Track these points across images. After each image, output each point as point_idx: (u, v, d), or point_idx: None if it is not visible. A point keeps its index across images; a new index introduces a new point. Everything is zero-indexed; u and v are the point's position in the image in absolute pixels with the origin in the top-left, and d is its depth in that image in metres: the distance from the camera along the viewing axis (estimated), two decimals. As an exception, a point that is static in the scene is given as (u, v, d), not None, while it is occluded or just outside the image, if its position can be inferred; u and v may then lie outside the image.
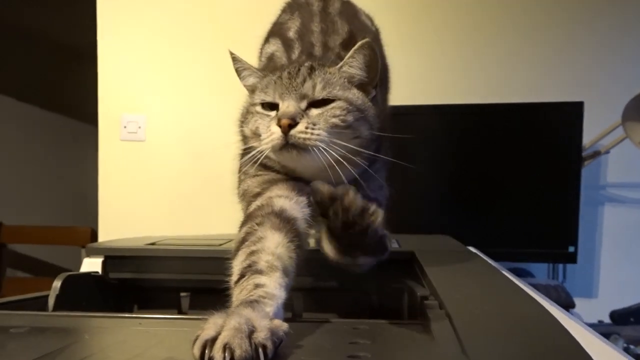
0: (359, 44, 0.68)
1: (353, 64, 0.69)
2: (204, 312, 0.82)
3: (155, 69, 2.02)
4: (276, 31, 0.88)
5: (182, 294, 0.84)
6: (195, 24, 2.00)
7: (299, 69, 0.67)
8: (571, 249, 1.62)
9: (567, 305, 1.55)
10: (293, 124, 0.62)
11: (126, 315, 0.55)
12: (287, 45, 0.82)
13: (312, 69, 0.67)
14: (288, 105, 0.64)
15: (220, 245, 0.83)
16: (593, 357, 0.36)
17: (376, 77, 0.72)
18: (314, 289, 0.82)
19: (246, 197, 0.72)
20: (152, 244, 0.83)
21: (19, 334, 0.43)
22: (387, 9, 1.87)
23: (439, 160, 1.67)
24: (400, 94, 1.55)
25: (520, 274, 1.75)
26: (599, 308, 1.68)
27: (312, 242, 0.79)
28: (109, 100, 2.03)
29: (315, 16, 0.84)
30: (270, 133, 0.63)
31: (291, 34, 0.84)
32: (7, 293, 0.59)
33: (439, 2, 1.88)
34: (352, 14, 0.87)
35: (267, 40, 0.89)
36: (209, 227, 1.81)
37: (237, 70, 0.73)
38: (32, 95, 3.65)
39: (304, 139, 0.62)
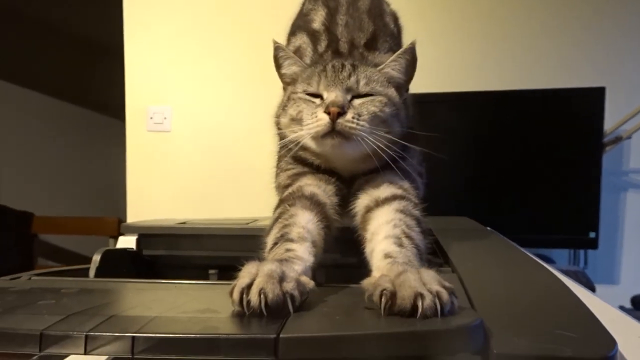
0: (404, 49, 0.72)
1: (395, 67, 0.73)
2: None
3: (180, 61, 2.07)
4: (301, 24, 0.90)
5: (211, 271, 0.89)
6: (220, 17, 2.04)
7: (343, 65, 0.71)
8: (592, 234, 1.62)
9: (587, 289, 1.55)
10: (342, 112, 0.65)
11: (162, 281, 0.60)
12: (314, 37, 0.85)
13: (354, 66, 0.71)
14: (337, 95, 0.66)
15: (248, 224, 0.87)
16: (595, 314, 0.38)
17: (410, 81, 0.77)
18: (336, 266, 0.86)
19: (279, 189, 0.77)
20: (183, 223, 0.88)
21: (70, 294, 0.48)
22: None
23: (460, 147, 1.68)
24: (422, 82, 1.58)
25: (541, 259, 1.76)
26: (621, 294, 1.68)
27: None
28: (135, 92, 2.09)
29: (342, 7, 0.87)
30: (317, 119, 0.66)
31: (316, 25, 0.86)
32: None
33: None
34: (378, 13, 0.89)
35: (293, 33, 0.91)
36: (236, 214, 1.86)
37: (277, 58, 0.75)
38: (61, 91, 3.75)
39: (350, 127, 0.65)
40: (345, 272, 0.87)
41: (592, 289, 1.55)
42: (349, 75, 0.69)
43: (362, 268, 0.87)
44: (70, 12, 3.22)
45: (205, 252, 0.85)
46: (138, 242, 0.85)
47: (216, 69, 2.05)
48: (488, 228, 0.97)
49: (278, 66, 0.76)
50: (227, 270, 0.90)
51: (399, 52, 0.73)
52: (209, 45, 2.05)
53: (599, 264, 1.82)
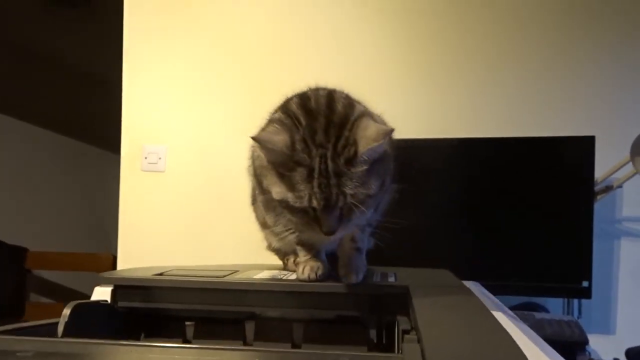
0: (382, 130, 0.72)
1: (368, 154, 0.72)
2: (208, 341, 0.87)
3: (177, 100, 2.11)
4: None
5: (187, 323, 0.88)
6: (219, 59, 2.08)
7: (328, 180, 0.70)
8: (585, 283, 1.61)
9: (581, 341, 1.53)
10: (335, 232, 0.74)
11: (134, 343, 0.58)
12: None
13: (339, 175, 0.71)
14: (330, 220, 0.73)
15: (224, 276, 0.87)
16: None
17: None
18: (313, 321, 0.85)
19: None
20: (160, 274, 0.87)
21: (25, 357, 0.47)
22: (396, 43, 1.94)
23: (449, 193, 1.69)
24: (409, 128, 1.60)
25: (535, 308, 1.74)
26: (616, 345, 1.65)
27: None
28: (131, 130, 2.11)
29: None
30: (313, 233, 0.76)
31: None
32: (30, 317, 0.62)
33: (447, 36, 1.93)
34: None
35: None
36: (227, 256, 1.87)
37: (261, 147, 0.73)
38: (57, 123, 3.78)
39: (343, 234, 0.78)
40: (322, 326, 0.86)
41: (585, 340, 1.52)
42: (337, 192, 0.71)
43: (340, 323, 0.87)
44: (69, 45, 3.28)
45: (180, 305, 0.85)
46: (113, 293, 0.84)
47: (213, 110, 2.08)
48: (468, 282, 0.96)
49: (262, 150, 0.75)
50: (203, 322, 0.90)
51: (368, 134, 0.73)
52: (207, 86, 2.09)
53: (593, 314, 1.80)
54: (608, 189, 1.67)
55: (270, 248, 1.03)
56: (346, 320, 0.83)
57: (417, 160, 1.60)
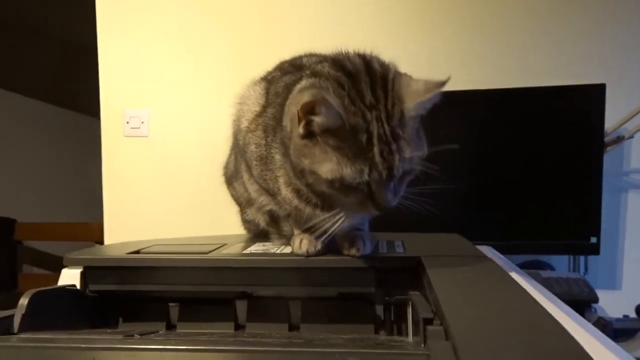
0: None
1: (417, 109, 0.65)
2: (195, 324, 0.77)
3: (158, 61, 1.96)
4: None
5: (171, 304, 0.78)
6: (201, 16, 1.93)
7: (389, 146, 0.61)
8: (593, 239, 1.53)
9: (590, 300, 1.47)
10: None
11: (102, 346, 0.48)
12: None
13: (397, 139, 0.62)
14: (388, 194, 0.63)
15: (210, 252, 0.76)
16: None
17: None
18: (312, 298, 0.75)
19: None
20: (136, 252, 0.77)
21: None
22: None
23: (451, 150, 1.58)
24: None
25: (540, 266, 1.67)
26: (624, 301, 1.59)
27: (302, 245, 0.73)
28: (111, 95, 1.98)
29: None
30: (364, 209, 0.65)
31: None
32: (24, 289, 0.56)
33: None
34: None
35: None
36: (217, 223, 1.77)
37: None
38: (42, 92, 3.64)
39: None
40: (323, 304, 0.77)
41: (595, 298, 1.46)
42: (398, 158, 0.63)
43: (342, 301, 0.78)
44: (45, 12, 3.11)
45: (162, 286, 0.75)
46: (83, 276, 0.74)
47: (197, 71, 1.94)
48: (482, 247, 0.86)
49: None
50: (190, 304, 0.81)
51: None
52: (190, 45, 1.94)
53: (600, 270, 1.74)
54: (619, 139, 1.57)
55: (258, 229, 0.93)
56: (350, 297, 0.74)
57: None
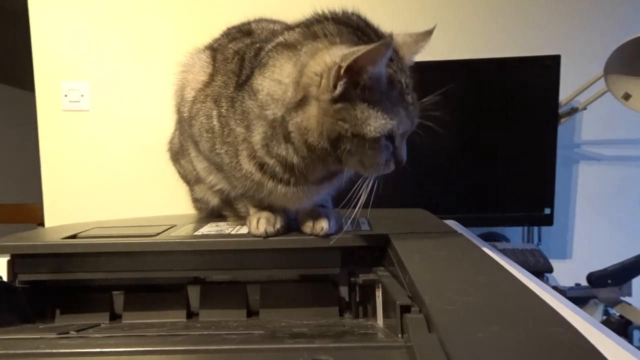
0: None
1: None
2: (142, 313, 0.70)
3: (97, 29, 1.81)
4: None
5: (115, 292, 0.71)
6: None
7: (412, 95, 0.62)
8: (547, 210, 1.55)
9: (545, 270, 1.49)
10: None
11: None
12: None
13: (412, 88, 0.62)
14: (405, 153, 0.63)
15: (157, 234, 0.69)
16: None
17: None
18: (272, 281, 0.70)
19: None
20: (73, 236, 0.69)
21: None
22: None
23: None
24: None
25: (495, 238, 1.68)
26: (576, 270, 1.62)
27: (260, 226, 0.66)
28: (46, 66, 1.82)
29: None
30: (387, 169, 0.62)
31: None
32: None
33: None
34: None
35: None
36: (164, 202, 1.67)
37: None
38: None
39: None
40: (284, 288, 0.71)
41: (549, 268, 1.48)
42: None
43: (305, 283, 0.73)
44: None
45: (104, 274, 0.67)
46: (11, 265, 0.65)
47: (140, 38, 1.81)
48: (449, 222, 0.83)
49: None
50: (136, 291, 0.73)
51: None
52: (130, 10, 1.80)
53: (552, 240, 1.77)
54: (573, 111, 1.58)
55: (209, 208, 0.85)
56: (312, 279, 0.69)
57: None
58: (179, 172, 0.86)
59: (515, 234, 1.74)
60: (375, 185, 0.60)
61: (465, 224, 1.43)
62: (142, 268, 0.66)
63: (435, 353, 0.31)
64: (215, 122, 0.65)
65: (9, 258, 0.65)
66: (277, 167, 0.63)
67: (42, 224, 2.01)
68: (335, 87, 0.54)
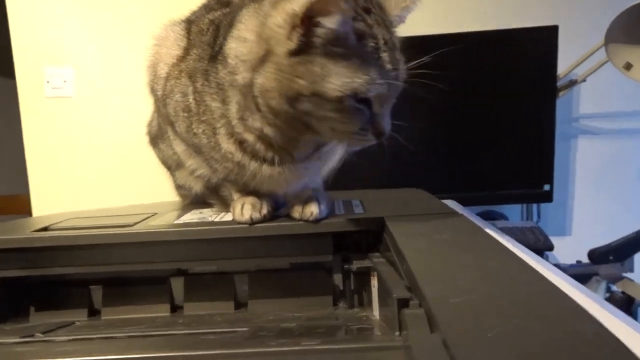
0: None
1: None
2: (121, 308, 0.66)
3: (77, 11, 1.74)
4: None
5: (92, 286, 0.66)
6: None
7: (394, 53, 0.54)
8: (547, 187, 1.51)
9: (546, 248, 1.45)
10: None
11: None
12: None
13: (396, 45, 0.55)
14: (388, 117, 0.56)
15: (135, 224, 0.64)
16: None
17: None
18: (262, 270, 0.65)
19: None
20: (44, 228, 0.64)
21: None
22: None
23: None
24: None
25: (493, 216, 1.64)
26: (576, 247, 1.59)
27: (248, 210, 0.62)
28: (27, 51, 1.75)
29: None
30: (365, 139, 0.55)
31: None
32: None
33: None
34: None
35: None
36: (151, 189, 1.62)
37: None
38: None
39: None
40: (274, 277, 0.67)
41: (550, 246, 1.45)
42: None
43: (296, 271, 0.69)
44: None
45: (78, 268, 0.62)
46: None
47: (123, 20, 1.74)
48: (448, 202, 0.79)
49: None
50: (116, 284, 0.69)
51: None
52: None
53: (550, 217, 1.73)
54: (572, 83, 1.53)
55: (191, 194, 0.80)
56: (304, 267, 0.64)
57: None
58: (159, 157, 0.81)
59: (514, 212, 1.71)
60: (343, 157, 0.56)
61: (463, 203, 1.39)
62: (118, 260, 0.62)
63: (440, 357, 0.27)
64: (190, 99, 0.60)
65: (-25, 253, 0.60)
66: (258, 144, 0.58)
67: (31, 214, 1.96)
68: (291, 38, 0.49)
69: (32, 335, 0.47)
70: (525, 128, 1.49)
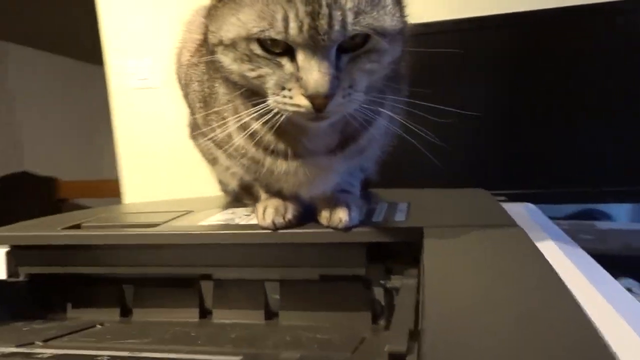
0: None
1: None
2: (152, 310, 0.63)
3: (167, 6, 1.79)
4: None
5: (125, 285, 0.64)
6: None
7: None
8: (662, 183, 1.29)
9: (660, 256, 1.25)
10: (331, 98, 0.43)
11: None
12: None
13: None
14: (320, 70, 0.42)
15: (160, 224, 0.61)
16: None
17: None
18: (294, 281, 0.59)
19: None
20: (76, 225, 0.63)
21: None
22: None
23: (485, 88, 1.33)
24: (415, 10, 1.21)
25: (595, 216, 1.45)
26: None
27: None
28: (114, 45, 1.84)
29: None
30: (294, 103, 0.44)
31: None
32: None
33: None
34: None
35: None
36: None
37: None
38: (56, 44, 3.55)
39: (339, 110, 0.45)
40: (306, 287, 0.61)
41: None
42: (330, 9, 0.41)
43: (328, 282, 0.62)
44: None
45: (105, 269, 0.61)
46: (12, 256, 0.60)
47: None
48: (516, 205, 0.67)
49: None
50: (146, 285, 0.67)
51: None
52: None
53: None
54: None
55: (228, 190, 0.76)
56: (340, 278, 0.57)
57: (430, 51, 1.22)
58: (199, 152, 0.77)
59: (621, 211, 1.49)
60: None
61: (555, 200, 1.23)
62: (140, 261, 0.59)
63: None
64: (205, 87, 0.55)
65: (7, 249, 0.60)
66: (268, 134, 0.51)
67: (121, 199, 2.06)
68: None
69: (32, 344, 0.45)
70: (629, 114, 1.28)
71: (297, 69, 0.43)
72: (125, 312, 0.64)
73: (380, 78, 0.47)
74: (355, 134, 0.52)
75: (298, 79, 0.43)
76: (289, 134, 0.50)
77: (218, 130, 0.53)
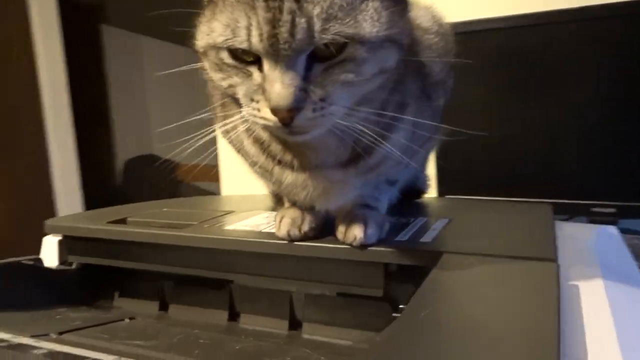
0: None
1: None
2: (187, 308, 0.65)
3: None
4: None
5: (165, 281, 0.66)
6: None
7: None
8: None
9: None
10: (298, 108, 0.39)
11: None
12: None
13: None
14: (283, 81, 0.39)
15: (195, 224, 0.61)
16: None
17: None
18: (319, 295, 0.57)
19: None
20: (122, 220, 0.66)
21: None
22: None
23: (552, 93, 1.15)
24: (463, 7, 1.06)
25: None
26: None
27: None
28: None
29: None
30: (262, 116, 0.41)
31: None
32: None
33: None
34: None
35: None
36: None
37: None
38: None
39: (312, 125, 0.41)
40: (329, 302, 0.58)
41: None
42: (293, 16, 0.37)
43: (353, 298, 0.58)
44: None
45: (143, 265, 0.63)
46: (64, 246, 0.65)
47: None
48: (593, 229, 0.58)
49: None
50: (182, 283, 0.68)
51: None
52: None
53: None
54: None
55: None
56: (365, 296, 0.53)
57: (491, 49, 1.08)
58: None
59: None
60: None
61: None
62: (173, 261, 0.61)
63: None
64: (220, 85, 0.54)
65: (60, 238, 0.65)
66: (273, 143, 0.49)
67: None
68: None
69: (47, 335, 0.48)
70: None
71: (264, 79, 0.40)
72: (165, 306, 0.66)
73: (375, 89, 0.43)
74: (368, 149, 0.48)
75: (264, 91, 0.40)
76: (291, 145, 0.48)
77: (234, 139, 0.52)
